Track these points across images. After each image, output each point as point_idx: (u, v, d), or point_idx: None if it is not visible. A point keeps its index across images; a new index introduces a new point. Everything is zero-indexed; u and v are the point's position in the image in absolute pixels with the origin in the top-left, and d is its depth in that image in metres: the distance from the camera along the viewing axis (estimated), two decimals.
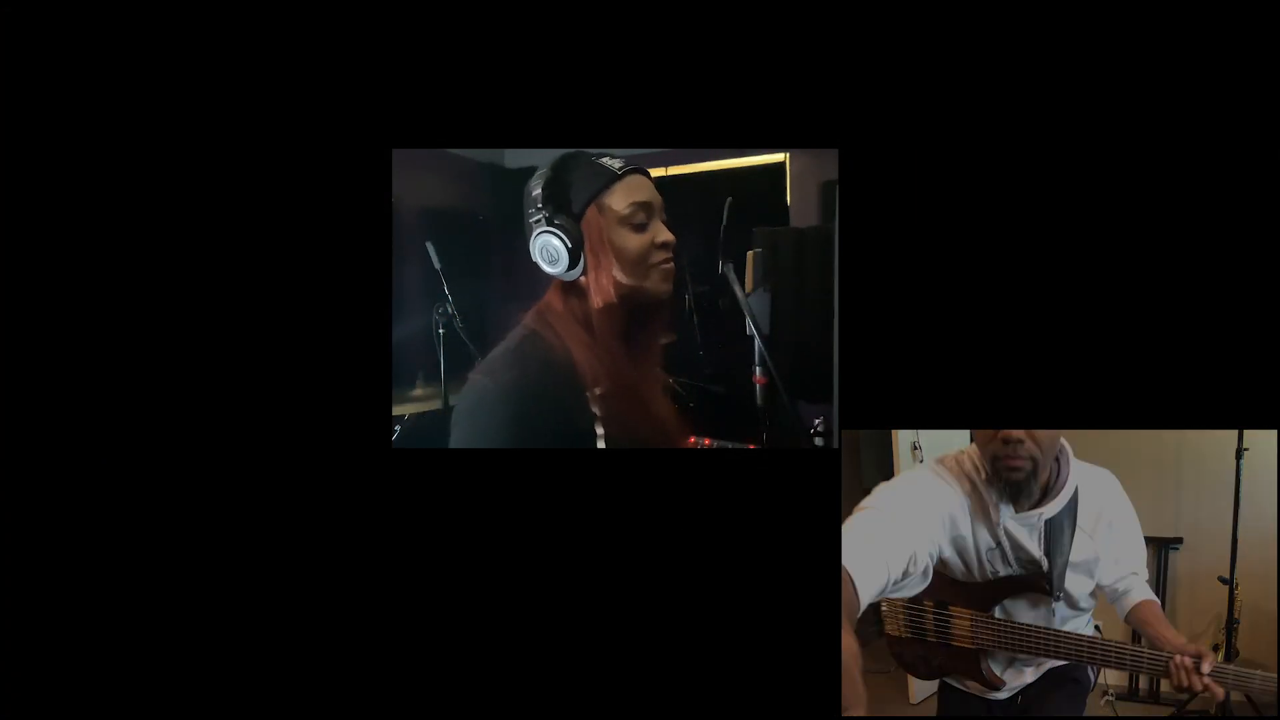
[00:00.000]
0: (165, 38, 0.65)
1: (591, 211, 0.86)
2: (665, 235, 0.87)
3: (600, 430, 0.79)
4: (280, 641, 0.65)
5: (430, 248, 2.28)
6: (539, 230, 0.86)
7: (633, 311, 0.87)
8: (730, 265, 0.73)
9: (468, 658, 0.66)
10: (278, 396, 0.66)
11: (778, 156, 3.18)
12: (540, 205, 0.86)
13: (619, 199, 0.86)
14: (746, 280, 0.74)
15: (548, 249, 0.86)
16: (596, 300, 0.86)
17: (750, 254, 0.74)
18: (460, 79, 0.69)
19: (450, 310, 2.27)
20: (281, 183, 0.66)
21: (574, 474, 0.69)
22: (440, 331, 2.35)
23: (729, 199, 1.49)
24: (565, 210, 0.85)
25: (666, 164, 3.41)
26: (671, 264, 0.87)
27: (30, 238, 0.63)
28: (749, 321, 0.70)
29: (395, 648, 0.66)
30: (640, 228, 0.86)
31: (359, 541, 0.66)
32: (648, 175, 0.89)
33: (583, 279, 0.87)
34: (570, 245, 0.85)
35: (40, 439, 0.63)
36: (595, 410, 0.81)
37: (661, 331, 0.93)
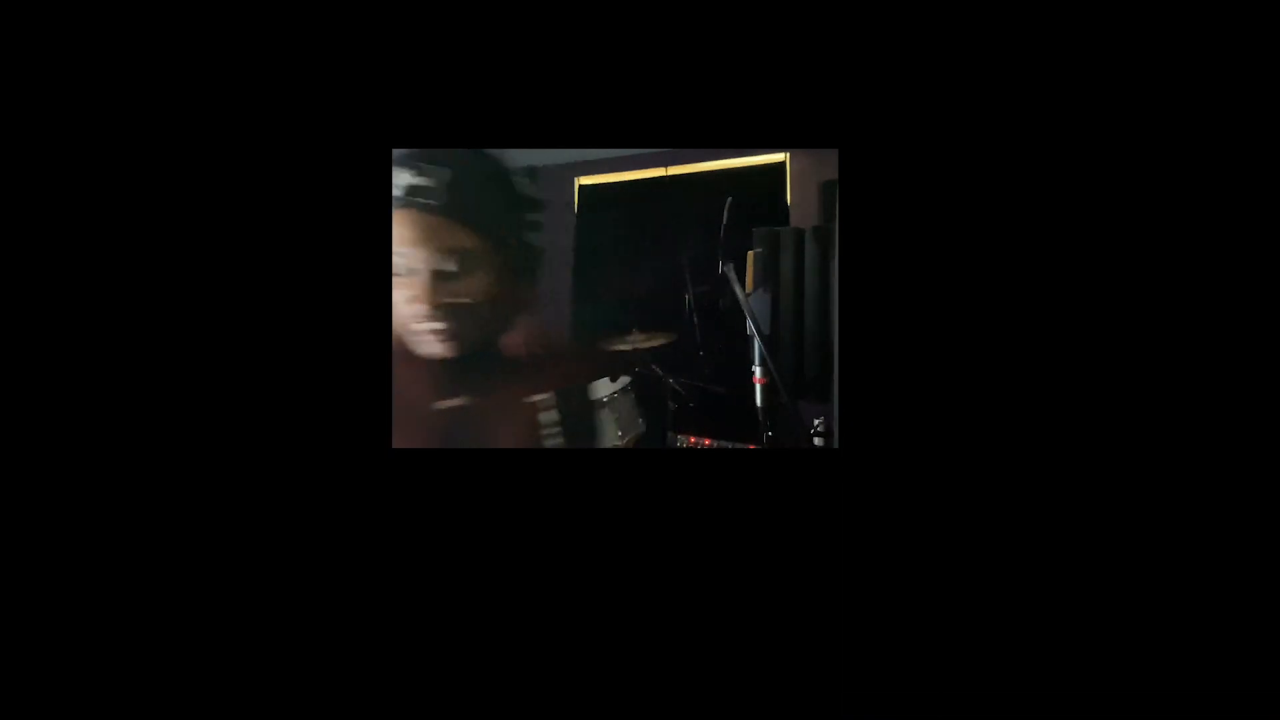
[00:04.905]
0: (164, 36, 0.65)
1: None
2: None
3: None
4: (279, 642, 0.65)
5: None
6: None
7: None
8: (730, 265, 0.73)
9: (468, 659, 0.66)
10: (277, 396, 0.66)
11: (778, 156, 3.19)
12: None
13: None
14: (746, 280, 0.74)
15: None
16: None
17: (750, 254, 0.74)
18: (460, 79, 0.69)
19: None
20: (281, 182, 0.66)
21: (573, 474, 0.69)
22: None
23: (729, 199, 1.49)
24: None
25: (666, 164, 3.42)
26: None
27: (26, 237, 0.63)
28: (749, 321, 0.70)
29: (395, 648, 0.66)
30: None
31: (359, 542, 0.66)
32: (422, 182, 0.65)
33: None
34: None
35: (38, 438, 0.63)
36: None
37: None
